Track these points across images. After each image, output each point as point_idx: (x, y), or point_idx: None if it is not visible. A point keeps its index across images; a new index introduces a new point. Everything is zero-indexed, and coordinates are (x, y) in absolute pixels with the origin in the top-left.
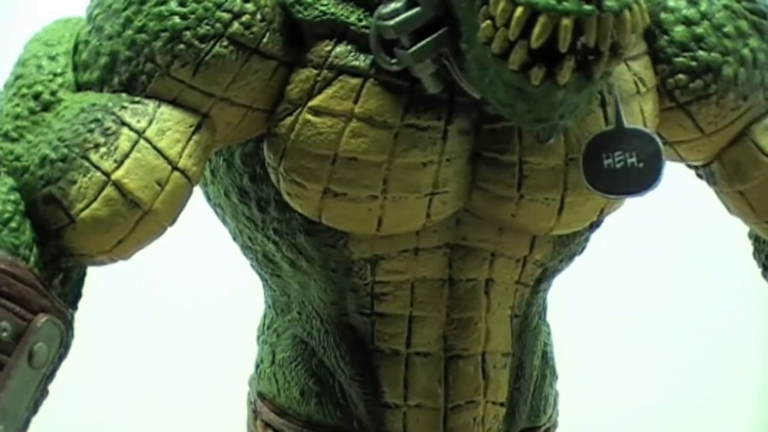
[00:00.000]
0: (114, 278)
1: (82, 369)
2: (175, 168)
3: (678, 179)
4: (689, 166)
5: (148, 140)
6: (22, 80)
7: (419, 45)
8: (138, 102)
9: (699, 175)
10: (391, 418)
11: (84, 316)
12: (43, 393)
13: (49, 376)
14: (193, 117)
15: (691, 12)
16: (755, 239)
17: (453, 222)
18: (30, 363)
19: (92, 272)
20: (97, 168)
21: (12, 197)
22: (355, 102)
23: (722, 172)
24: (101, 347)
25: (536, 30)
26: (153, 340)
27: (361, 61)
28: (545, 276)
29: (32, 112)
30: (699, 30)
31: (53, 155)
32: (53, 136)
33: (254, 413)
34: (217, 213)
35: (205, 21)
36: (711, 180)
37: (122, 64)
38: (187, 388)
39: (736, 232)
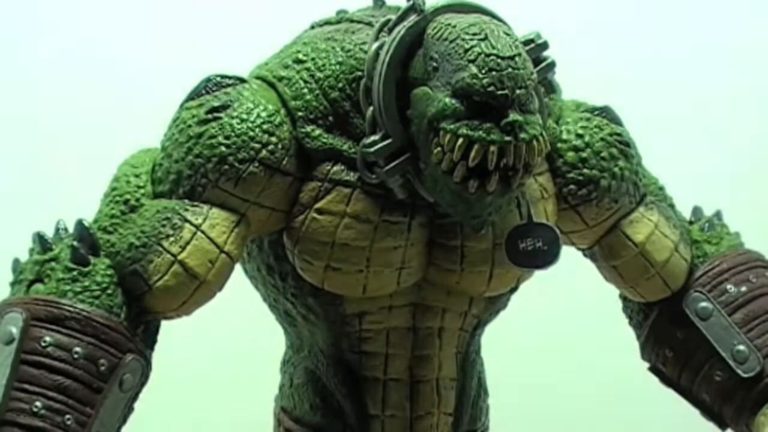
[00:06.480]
0: (177, 327)
1: (152, 393)
2: (222, 251)
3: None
4: (578, 249)
5: (203, 232)
6: (116, 191)
7: (391, 165)
8: (196, 206)
9: (585, 255)
10: (373, 424)
11: (157, 353)
12: (129, 409)
13: (134, 397)
14: (235, 215)
15: (578, 142)
16: (624, 299)
17: (416, 288)
18: (120, 388)
19: (163, 325)
20: (168, 252)
21: (109, 272)
22: (347, 205)
23: (601, 253)
24: (165, 377)
25: (472, 154)
26: (203, 372)
27: (351, 176)
28: (479, 325)
29: (123, 213)
30: (584, 155)
31: (137, 242)
32: (137, 229)
33: (278, 422)
34: (252, 282)
35: (243, 149)
36: (593, 258)
37: (185, 180)
38: (230, 406)
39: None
